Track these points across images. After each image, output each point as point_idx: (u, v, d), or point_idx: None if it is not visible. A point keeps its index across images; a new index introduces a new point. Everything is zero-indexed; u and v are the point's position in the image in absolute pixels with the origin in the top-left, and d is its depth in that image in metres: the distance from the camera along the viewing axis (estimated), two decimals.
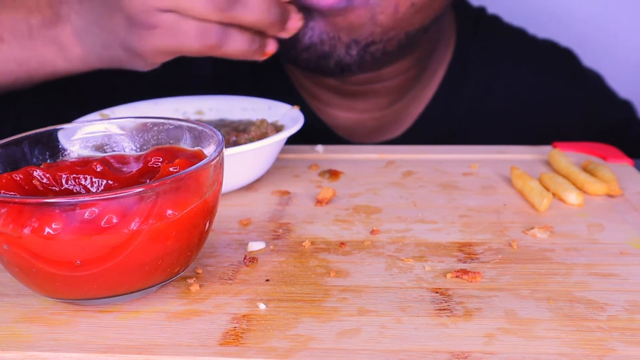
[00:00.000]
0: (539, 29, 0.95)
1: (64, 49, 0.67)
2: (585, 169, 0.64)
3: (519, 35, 0.93)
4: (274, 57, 0.74)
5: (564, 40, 0.94)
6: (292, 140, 0.66)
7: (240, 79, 0.87)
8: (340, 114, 0.87)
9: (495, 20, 0.93)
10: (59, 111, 0.83)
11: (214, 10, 0.59)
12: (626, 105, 0.94)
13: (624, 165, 0.66)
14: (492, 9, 0.94)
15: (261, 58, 0.66)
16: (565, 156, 0.64)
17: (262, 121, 0.64)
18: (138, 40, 0.62)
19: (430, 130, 0.87)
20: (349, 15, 0.71)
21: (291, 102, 0.69)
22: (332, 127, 0.88)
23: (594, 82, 0.93)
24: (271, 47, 0.66)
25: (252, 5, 0.60)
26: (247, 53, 0.63)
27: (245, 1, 0.60)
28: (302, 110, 0.67)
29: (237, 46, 0.62)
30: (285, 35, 0.66)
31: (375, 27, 0.73)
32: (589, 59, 0.94)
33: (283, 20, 0.64)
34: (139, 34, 0.61)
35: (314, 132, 0.80)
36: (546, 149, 0.71)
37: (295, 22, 0.66)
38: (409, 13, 0.73)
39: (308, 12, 0.71)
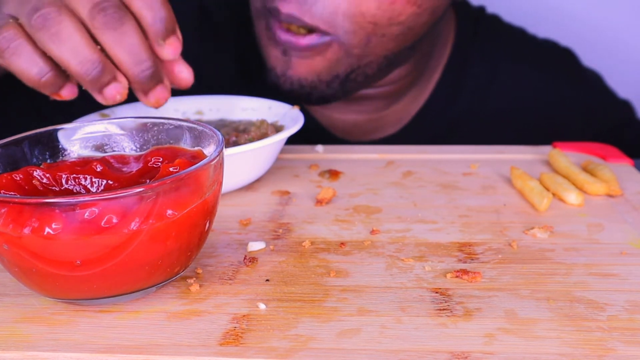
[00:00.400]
0: (539, 29, 0.95)
1: None
2: (585, 169, 0.64)
3: (518, 35, 0.93)
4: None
5: (564, 40, 0.94)
6: (291, 140, 0.66)
7: (233, 81, 0.87)
8: (336, 115, 0.87)
9: (495, 19, 0.93)
10: (48, 117, 0.83)
11: (24, 16, 0.54)
12: (626, 105, 0.94)
13: (624, 165, 0.66)
14: (492, 8, 0.94)
15: (52, 96, 0.58)
16: (565, 156, 0.64)
17: (262, 121, 0.64)
18: None
19: (428, 128, 0.87)
20: (327, 52, 0.72)
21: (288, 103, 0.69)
22: (329, 127, 0.88)
23: (593, 82, 0.93)
24: (67, 92, 0.57)
25: (65, 43, 0.53)
26: (32, 80, 0.55)
27: (58, 33, 0.53)
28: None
29: (20, 63, 0.54)
30: (101, 100, 0.56)
31: (351, 58, 0.74)
32: (589, 59, 0.94)
33: (100, 83, 0.55)
34: None
35: (311, 133, 0.80)
36: (546, 149, 0.71)
37: (114, 95, 0.56)
38: (381, 42, 0.73)
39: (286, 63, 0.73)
